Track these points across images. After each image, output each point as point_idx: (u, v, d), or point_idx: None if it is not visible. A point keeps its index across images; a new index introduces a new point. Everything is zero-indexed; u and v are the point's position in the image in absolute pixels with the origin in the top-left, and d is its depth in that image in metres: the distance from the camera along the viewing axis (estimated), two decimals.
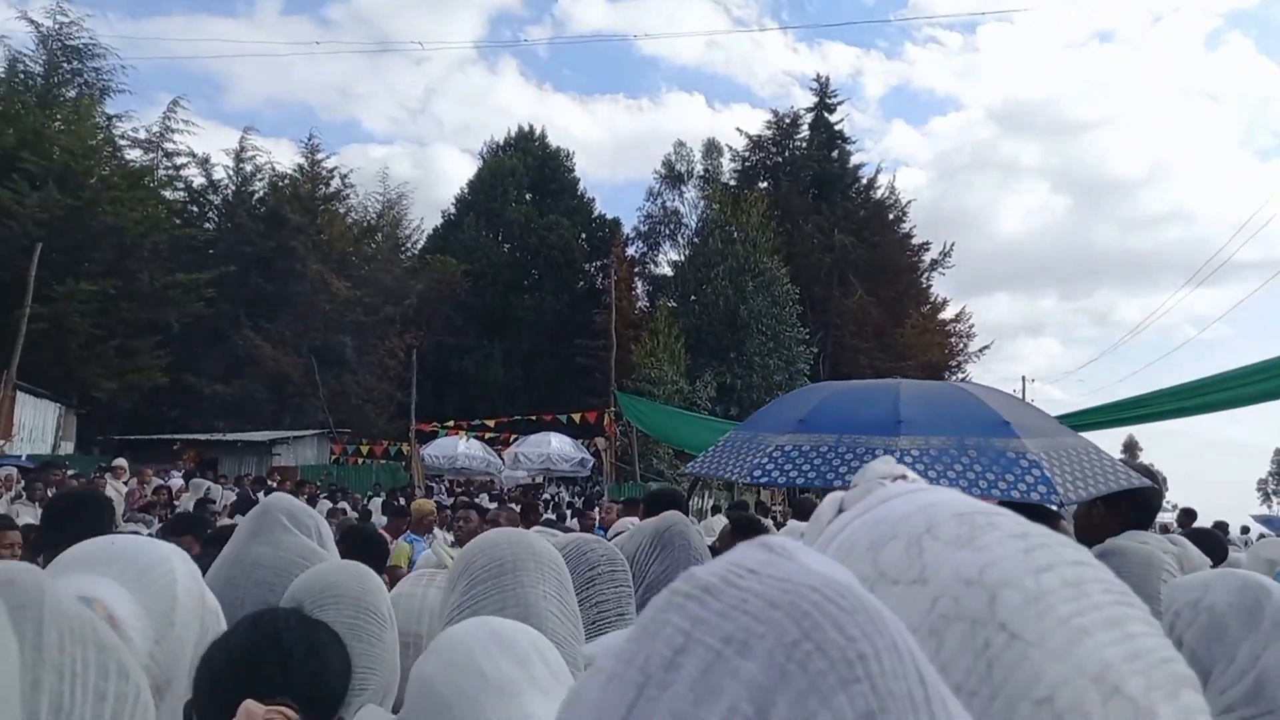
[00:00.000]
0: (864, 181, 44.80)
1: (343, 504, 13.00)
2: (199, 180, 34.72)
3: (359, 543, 3.57)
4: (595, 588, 1.99)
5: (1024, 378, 43.02)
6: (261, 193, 35.13)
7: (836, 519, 0.64)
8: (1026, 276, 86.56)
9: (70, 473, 12.07)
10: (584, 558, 2.01)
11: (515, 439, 23.27)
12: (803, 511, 7.23)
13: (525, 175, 43.10)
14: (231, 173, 35.10)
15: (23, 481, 10.83)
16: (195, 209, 34.60)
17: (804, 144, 44.72)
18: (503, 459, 22.52)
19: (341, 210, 37.59)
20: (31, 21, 30.10)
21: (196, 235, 31.14)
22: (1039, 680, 0.46)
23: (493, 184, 42.33)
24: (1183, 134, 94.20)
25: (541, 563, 1.64)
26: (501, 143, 45.57)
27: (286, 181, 35.45)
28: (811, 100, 45.29)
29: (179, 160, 33.40)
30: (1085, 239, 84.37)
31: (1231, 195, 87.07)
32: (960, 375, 44.38)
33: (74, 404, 24.54)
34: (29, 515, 8.97)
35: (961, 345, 44.30)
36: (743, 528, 4.28)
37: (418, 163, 72.09)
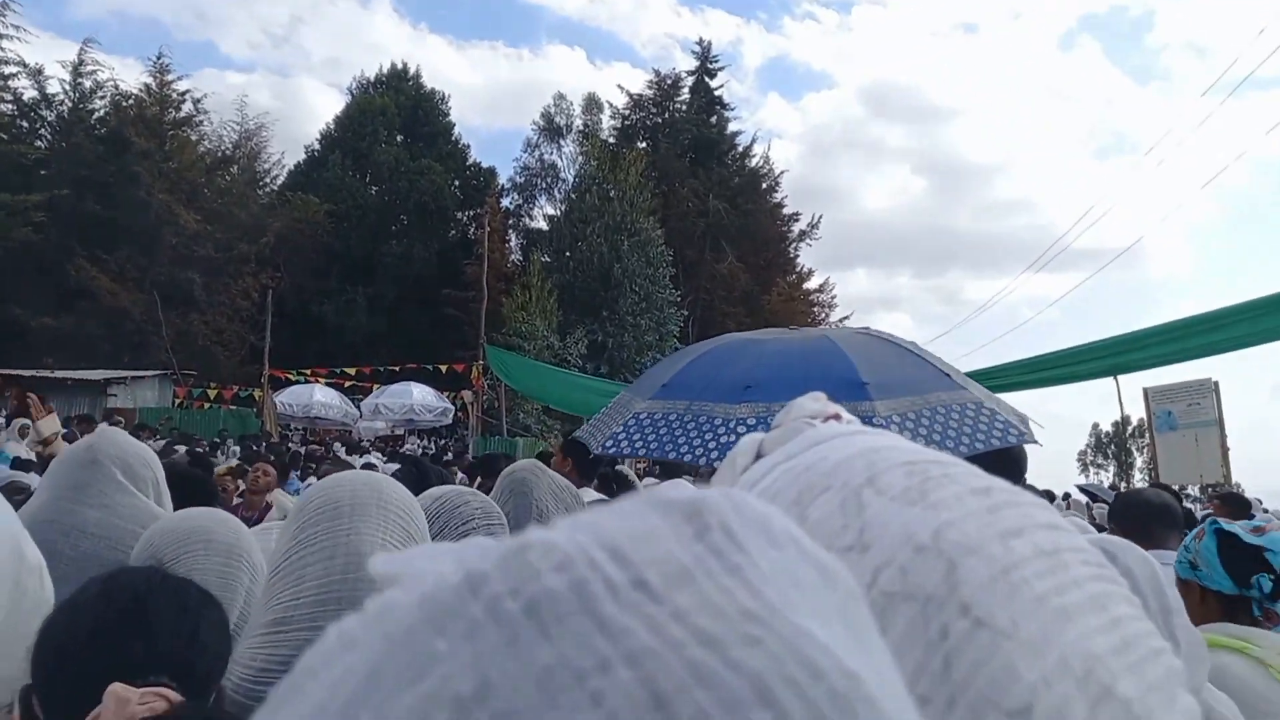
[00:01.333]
0: (740, 149, 45.45)
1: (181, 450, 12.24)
2: (30, 93, 31.45)
3: (185, 486, 3.26)
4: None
5: None
6: (102, 112, 32.29)
7: (755, 465, 0.52)
8: (885, 253, 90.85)
9: None
10: (457, 511, 1.87)
11: (377, 389, 22.58)
12: (670, 472, 6.77)
13: (397, 116, 41.27)
14: (69, 88, 32.02)
15: None
16: (24, 124, 31.39)
17: (684, 107, 44.86)
18: (360, 409, 21.82)
19: (193, 138, 35.03)
20: None
21: (26, 154, 28.35)
22: (1013, 681, 0.34)
23: (362, 123, 40.35)
24: (1034, 127, 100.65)
25: (387, 508, 1.42)
26: (373, 79, 43.50)
27: (131, 102, 32.64)
28: (693, 64, 45.42)
29: (7, 70, 30.12)
30: (941, 221, 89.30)
31: (1073, 188, 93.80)
32: None
33: None
34: None
35: (824, 315, 45.94)
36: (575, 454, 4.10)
37: (279, 94, 67.77)
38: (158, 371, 26.56)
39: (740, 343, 2.91)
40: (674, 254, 36.22)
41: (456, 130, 43.91)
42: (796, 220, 45.67)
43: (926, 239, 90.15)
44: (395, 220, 39.94)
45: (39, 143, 31.08)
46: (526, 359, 24.84)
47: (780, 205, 45.58)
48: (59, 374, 22.86)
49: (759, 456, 0.53)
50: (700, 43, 45.80)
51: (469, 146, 44.10)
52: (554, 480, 2.35)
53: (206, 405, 23.80)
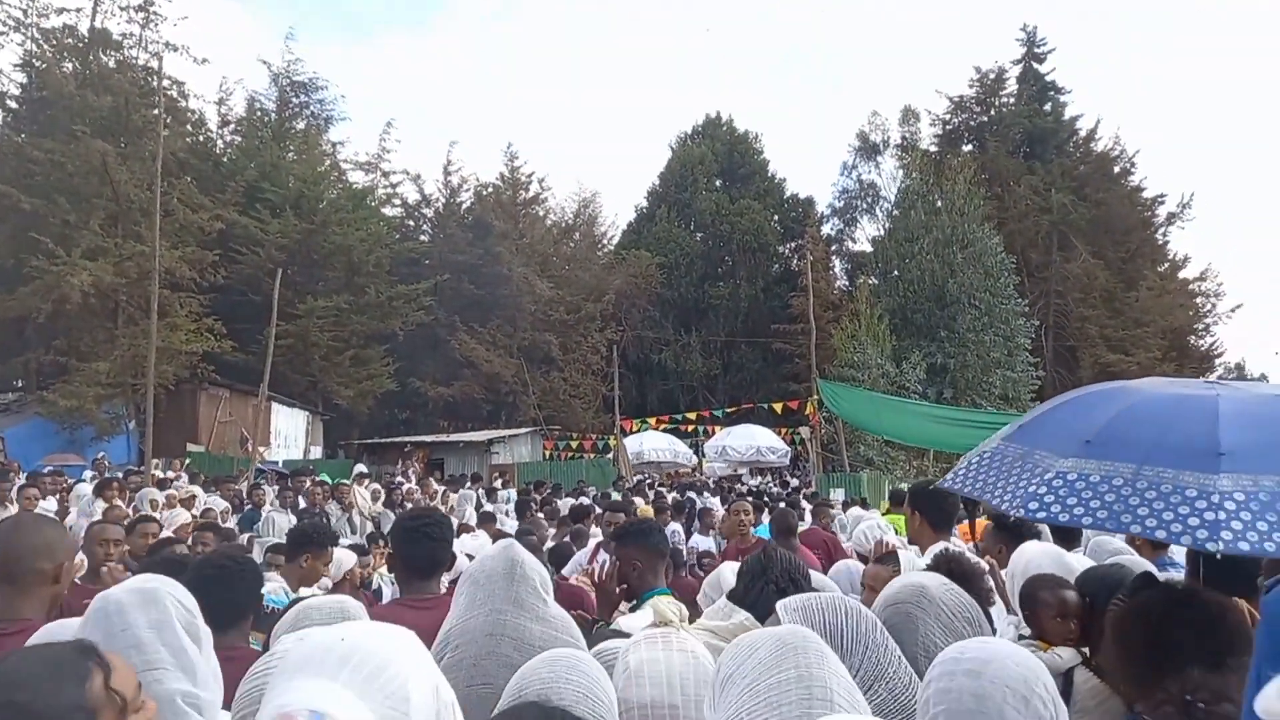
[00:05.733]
0: (1082, 134, 40.94)
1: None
2: (413, 196, 37.24)
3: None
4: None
5: None
6: (468, 203, 37.11)
7: None
8: None
9: (318, 478, 13.17)
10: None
11: (721, 430, 23.14)
12: (785, 527, 6.30)
13: (715, 162, 42.84)
14: (441, 186, 37.39)
15: (276, 487, 11.91)
16: (411, 223, 37.14)
17: (1011, 100, 41.52)
18: (704, 450, 22.46)
19: (541, 213, 39.07)
20: (264, 63, 33.53)
21: (414, 248, 33.48)
22: None
23: (683, 174, 42.40)
24: None
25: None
26: (690, 131, 45.60)
27: (490, 191, 37.24)
28: (1018, 52, 41.88)
29: (394, 179, 35.99)
30: None
31: None
32: (1210, 340, 39.80)
33: (319, 411, 27.08)
34: (283, 522, 9.83)
35: (1209, 306, 39.46)
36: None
37: (609, 160, 73.85)
38: (529, 429, 29.65)
39: (1161, 397, 2.40)
40: (1015, 260, 33.35)
41: (772, 166, 44.50)
42: (1162, 202, 39.97)
43: None
44: (720, 263, 41.22)
45: (423, 237, 36.53)
46: (859, 390, 24.08)
47: (1139, 189, 40.22)
48: (453, 437, 26.37)
49: None
50: (1025, 28, 42.19)
51: (785, 180, 44.45)
52: (944, 608, 2.05)
53: (570, 456, 25.99)
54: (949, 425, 18.24)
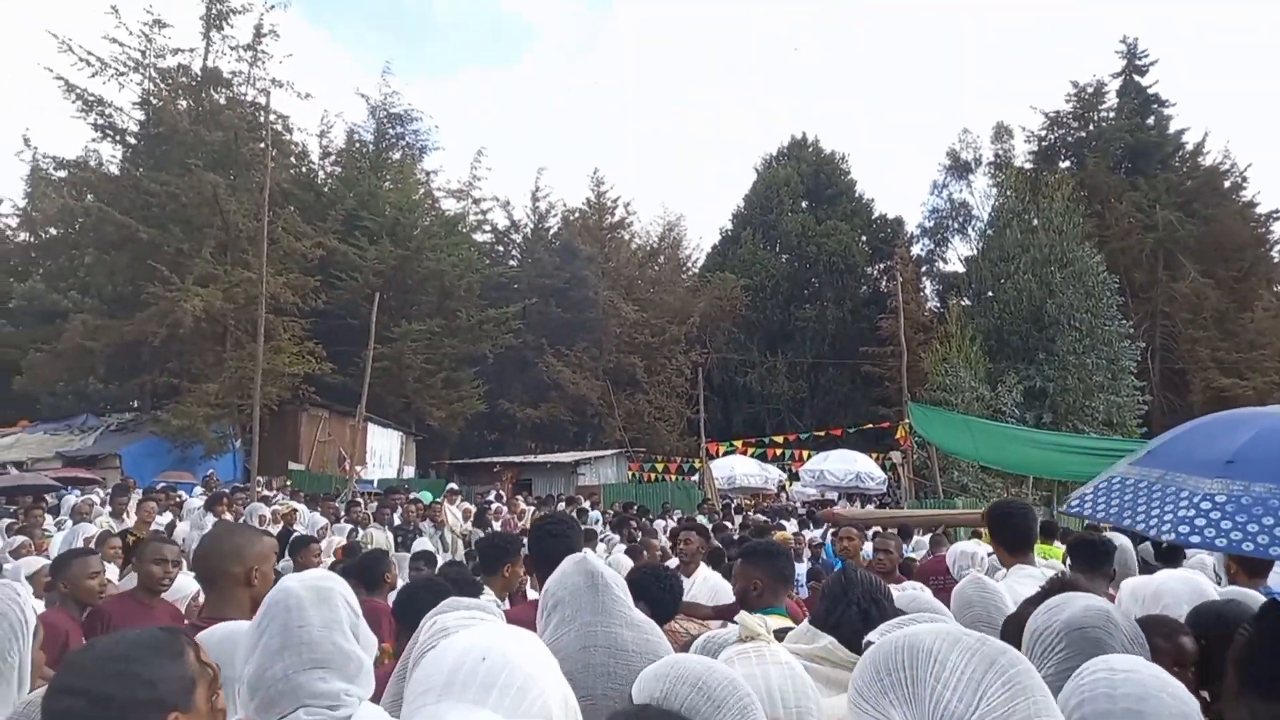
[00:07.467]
0: (1189, 148, 39.12)
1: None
2: (503, 222, 38.11)
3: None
4: None
5: None
6: (556, 228, 37.74)
7: None
8: None
9: (411, 496, 13.50)
10: None
11: (815, 455, 22.77)
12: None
13: (800, 183, 42.55)
14: (529, 212, 38.14)
15: (374, 505, 12.25)
16: (500, 249, 37.98)
17: (1111, 114, 40.02)
18: (798, 474, 22.12)
19: (626, 237, 39.42)
20: (363, 96, 34.94)
21: (503, 273, 34.20)
22: None
23: (768, 196, 42.22)
24: None
25: None
26: (775, 153, 45.43)
27: (576, 216, 37.80)
28: (1118, 65, 40.40)
29: (485, 205, 36.90)
30: None
31: None
32: None
33: (412, 431, 27.77)
34: (380, 538, 10.09)
35: None
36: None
37: (693, 184, 74.19)
38: (614, 451, 29.77)
39: None
40: (1118, 280, 31.98)
41: (859, 187, 43.91)
42: (1277, 218, 37.82)
43: None
44: (806, 284, 40.77)
45: (511, 262, 37.28)
46: (953, 414, 23.33)
47: (1252, 204, 38.17)
48: (540, 458, 26.67)
49: None
50: (1125, 40, 40.68)
51: (873, 200, 43.78)
52: (1129, 631, 1.96)
53: (654, 478, 25.96)
54: (1051, 451, 17.50)
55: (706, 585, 4.92)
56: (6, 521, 9.91)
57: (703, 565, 5.34)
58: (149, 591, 3.91)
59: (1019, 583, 3.64)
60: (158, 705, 1.30)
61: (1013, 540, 4.02)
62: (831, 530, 10.08)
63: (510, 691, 1.23)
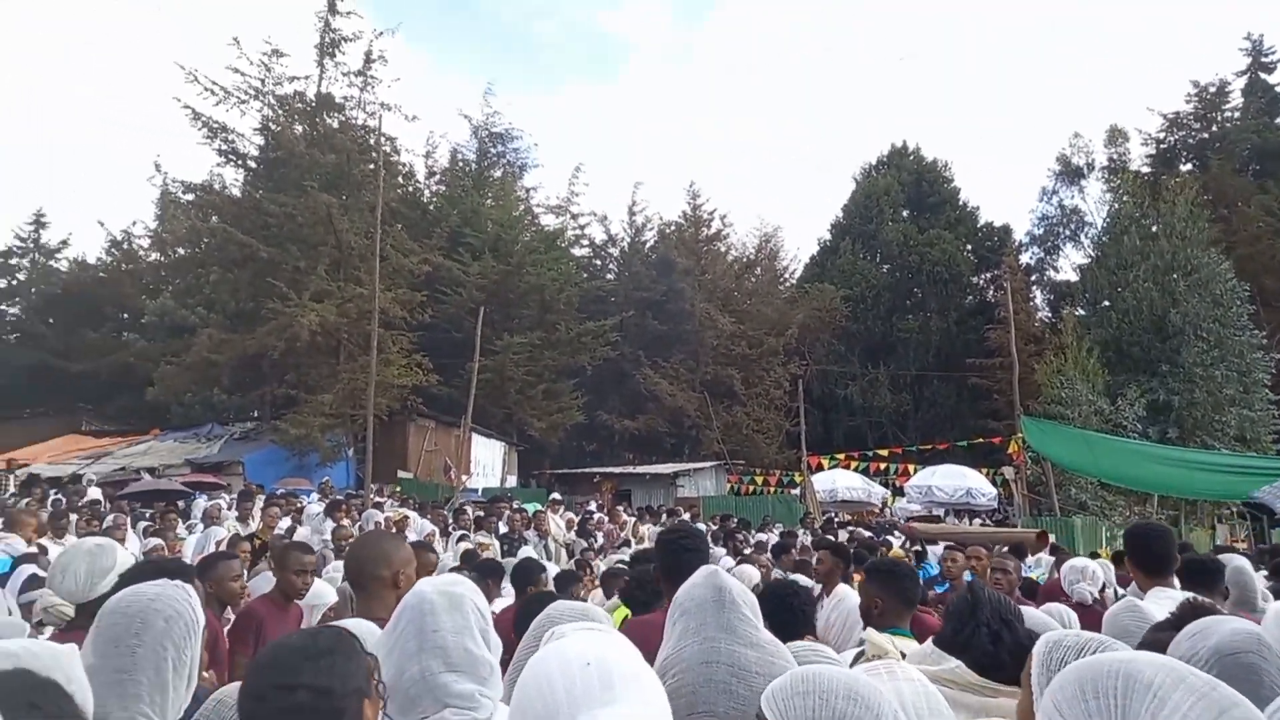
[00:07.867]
0: None
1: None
2: (600, 237, 38.60)
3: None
4: None
5: None
6: (652, 241, 37.96)
7: None
8: None
9: (516, 505, 13.71)
10: None
11: (923, 470, 22.12)
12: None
13: (900, 192, 41.63)
14: (626, 226, 38.50)
15: (479, 513, 12.48)
16: (598, 263, 38.44)
17: (1236, 114, 37.74)
18: (904, 489, 21.50)
19: (722, 249, 39.31)
20: (466, 117, 36.00)
21: (601, 286, 34.59)
22: None
23: (867, 206, 41.47)
24: None
25: None
26: (875, 162, 44.60)
27: (673, 229, 37.93)
28: (1243, 63, 38.10)
29: (583, 220, 37.45)
30: None
31: None
32: None
33: (514, 442, 28.30)
34: (490, 547, 10.27)
35: None
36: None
37: (790, 195, 73.47)
38: (713, 463, 29.62)
39: None
40: (1249, 288, 29.99)
41: (963, 195, 42.64)
42: None
43: None
44: (909, 295, 39.80)
45: (609, 275, 37.65)
46: (1070, 429, 22.32)
47: None
48: (639, 469, 26.75)
49: None
50: (1249, 38, 38.35)
51: (978, 208, 42.45)
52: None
53: (753, 491, 25.68)
54: (1178, 468, 16.56)
55: (844, 606, 4.67)
56: (143, 525, 10.54)
57: (841, 584, 5.20)
58: (286, 597, 4.30)
59: (1158, 606, 3.47)
60: (359, 694, 1.43)
61: (1151, 564, 3.90)
62: (945, 546, 9.75)
63: (629, 682, 1.21)
